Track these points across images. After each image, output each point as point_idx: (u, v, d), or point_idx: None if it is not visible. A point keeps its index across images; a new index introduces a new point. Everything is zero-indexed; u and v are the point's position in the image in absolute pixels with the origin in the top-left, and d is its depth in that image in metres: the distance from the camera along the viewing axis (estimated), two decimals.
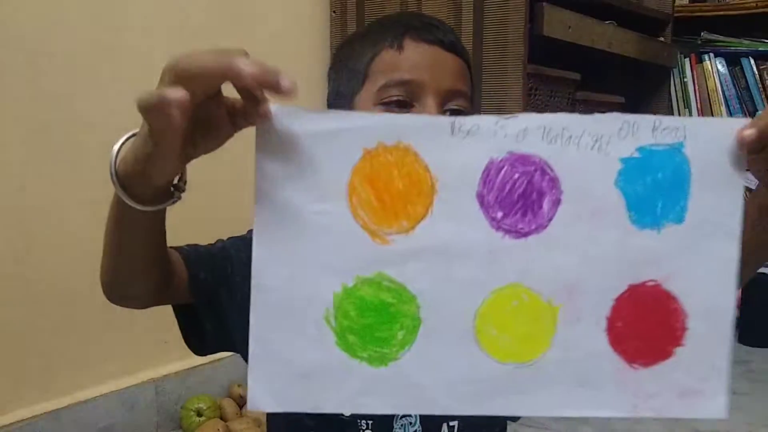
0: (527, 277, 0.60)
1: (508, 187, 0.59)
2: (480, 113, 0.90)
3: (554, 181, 0.59)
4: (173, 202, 0.64)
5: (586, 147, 0.58)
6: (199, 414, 1.87)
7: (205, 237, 0.87)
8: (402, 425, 0.89)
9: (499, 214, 0.59)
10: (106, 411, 1.77)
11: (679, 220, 0.60)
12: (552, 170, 0.59)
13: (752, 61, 3.51)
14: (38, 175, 1.63)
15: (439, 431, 0.90)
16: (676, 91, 3.54)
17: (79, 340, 1.67)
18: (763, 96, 3.49)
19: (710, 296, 0.61)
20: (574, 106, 2.18)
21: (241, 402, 1.97)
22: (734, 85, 3.53)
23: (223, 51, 0.53)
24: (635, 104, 2.69)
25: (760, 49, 3.51)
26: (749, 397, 2.19)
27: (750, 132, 0.59)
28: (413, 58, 0.82)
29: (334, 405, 0.61)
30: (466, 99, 0.84)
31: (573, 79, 2.14)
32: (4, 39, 1.56)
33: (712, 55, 3.55)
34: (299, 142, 0.57)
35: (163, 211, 0.66)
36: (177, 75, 0.52)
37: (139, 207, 0.62)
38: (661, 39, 2.69)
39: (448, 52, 0.84)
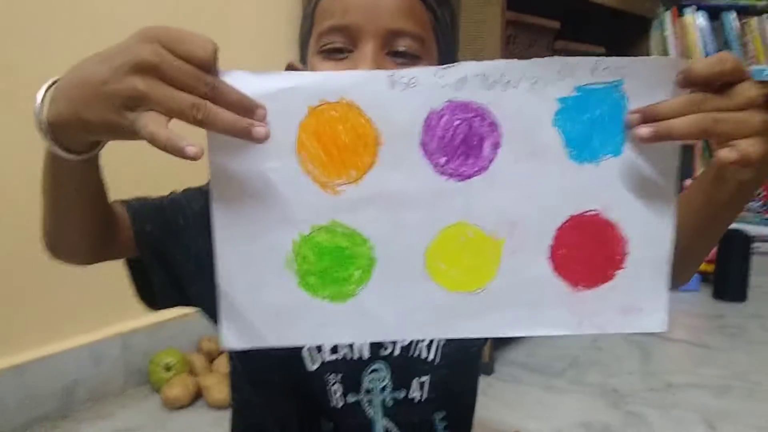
0: (471, 215, 0.64)
1: (449, 134, 0.62)
2: (457, 57, 0.85)
3: (493, 125, 0.62)
4: (101, 147, 0.63)
5: (524, 90, 0.61)
6: (168, 369, 1.84)
7: (166, 188, 0.84)
8: (371, 379, 0.86)
9: (442, 160, 0.63)
10: (71, 366, 1.73)
11: (617, 152, 0.63)
12: (491, 115, 0.62)
13: (734, 15, 3.47)
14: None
15: (410, 385, 0.88)
16: (655, 45, 3.50)
17: (42, 294, 1.62)
18: (743, 51, 3.47)
19: (648, 223, 0.65)
20: (553, 55, 2.13)
21: (210, 357, 1.94)
22: (714, 40, 3.50)
23: (200, 81, 0.55)
24: (615, 55, 2.64)
25: (741, 3, 3.47)
26: (723, 352, 2.20)
27: (680, 77, 0.60)
28: (347, 1, 0.76)
29: (300, 338, 0.66)
30: (415, 39, 0.77)
31: (552, 27, 2.09)
32: None
33: (694, 8, 3.51)
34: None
35: (97, 160, 0.64)
36: (152, 99, 0.54)
37: (71, 157, 0.61)
38: None
39: None
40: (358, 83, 0.61)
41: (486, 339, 0.97)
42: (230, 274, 0.64)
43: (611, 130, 0.62)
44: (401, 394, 0.88)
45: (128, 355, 1.84)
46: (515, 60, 0.61)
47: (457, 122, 0.62)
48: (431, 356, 0.88)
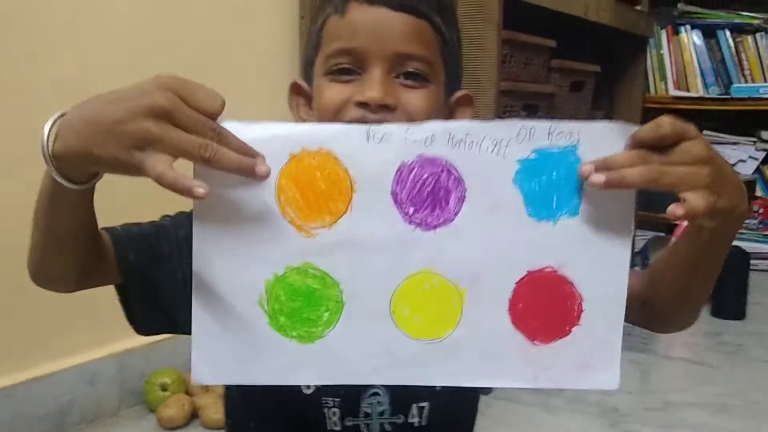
0: (436, 264, 0.67)
1: (418, 186, 0.66)
2: (462, 77, 0.85)
3: (459, 181, 0.66)
4: (100, 177, 0.66)
5: (487, 150, 0.65)
6: (164, 389, 1.82)
7: (155, 213, 0.85)
8: (370, 404, 0.86)
9: (411, 210, 0.66)
10: (65, 387, 1.71)
11: (574, 213, 0.66)
12: (456, 170, 0.66)
13: (728, 34, 3.49)
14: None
15: (408, 411, 0.87)
16: (652, 62, 3.52)
17: (35, 313, 1.59)
18: (738, 68, 3.48)
19: (603, 282, 0.68)
20: (549, 74, 2.14)
21: None
22: (710, 58, 3.52)
23: (208, 128, 0.60)
24: (611, 74, 2.65)
25: (736, 21, 3.49)
26: (720, 370, 2.19)
27: (628, 143, 0.64)
28: (355, 23, 0.77)
29: (268, 377, 0.69)
30: (423, 62, 0.78)
31: (549, 46, 2.10)
32: None
33: (688, 26, 3.53)
34: None
35: (92, 191, 0.67)
36: (163, 142, 0.58)
37: (73, 187, 0.64)
38: (639, 8, 2.65)
39: (398, 12, 0.77)
40: (337, 135, 0.66)
41: None
42: (205, 307, 0.67)
43: (568, 191, 0.66)
44: (399, 419, 0.87)
45: (124, 375, 1.83)
46: (478, 121, 0.67)
47: (426, 175, 0.66)
48: None
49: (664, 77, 3.57)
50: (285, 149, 0.65)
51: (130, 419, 1.80)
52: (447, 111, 0.85)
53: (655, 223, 3.14)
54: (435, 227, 0.67)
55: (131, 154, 0.58)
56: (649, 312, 0.81)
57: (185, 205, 0.80)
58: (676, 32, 3.55)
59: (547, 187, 0.66)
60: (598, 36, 2.44)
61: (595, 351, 0.69)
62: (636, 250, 2.95)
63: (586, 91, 2.37)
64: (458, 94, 0.86)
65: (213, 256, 0.66)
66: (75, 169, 0.63)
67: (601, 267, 0.68)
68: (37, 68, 1.61)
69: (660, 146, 0.64)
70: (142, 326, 0.82)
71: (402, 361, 0.69)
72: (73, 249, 0.71)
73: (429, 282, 0.68)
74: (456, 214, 0.67)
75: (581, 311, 0.69)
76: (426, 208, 0.67)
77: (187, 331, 0.76)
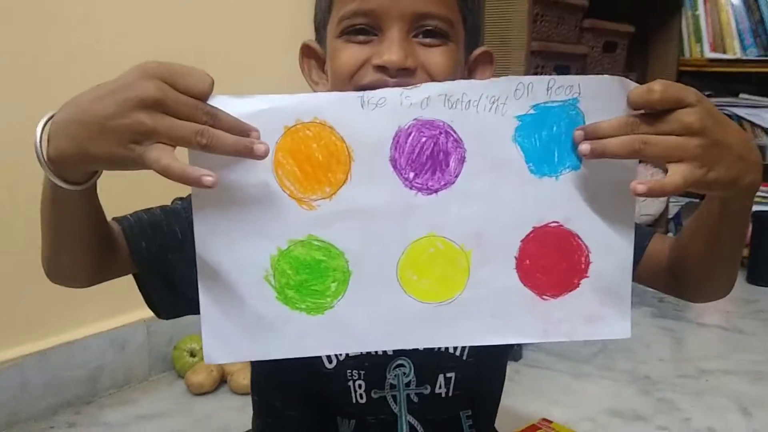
0: (440, 228, 0.67)
1: (417, 150, 0.65)
2: (482, 38, 0.82)
3: (458, 142, 0.65)
4: (99, 175, 0.65)
5: (484, 109, 0.64)
6: (192, 354, 1.83)
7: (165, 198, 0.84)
8: (395, 375, 0.85)
9: (411, 175, 0.66)
10: (95, 352, 1.72)
11: (576, 167, 0.66)
12: (455, 132, 0.65)
13: None
14: (25, 124, 1.55)
15: (435, 381, 0.86)
16: (687, 24, 3.41)
17: None
18: None
19: (610, 232, 0.68)
20: (581, 34, 2.08)
21: None
22: (748, 18, 3.40)
23: (201, 111, 0.59)
24: (645, 35, 2.58)
25: None
26: (756, 337, 2.15)
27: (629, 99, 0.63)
28: None
29: (280, 351, 0.68)
30: (442, 20, 0.75)
31: (581, 5, 2.03)
32: None
33: None
34: None
35: (94, 188, 0.66)
36: (156, 131, 0.57)
37: (72, 188, 0.63)
38: None
39: None
40: (331, 104, 0.65)
41: None
42: (211, 289, 0.66)
43: (570, 145, 0.65)
44: (426, 390, 0.86)
45: (153, 341, 1.84)
46: (474, 80, 0.66)
47: (424, 139, 0.65)
48: (458, 352, 0.85)
49: (699, 39, 3.46)
50: (279, 122, 0.64)
51: (159, 385, 1.81)
52: (466, 69, 0.83)
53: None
54: (436, 191, 0.66)
55: (129, 148, 0.57)
56: (679, 280, 0.80)
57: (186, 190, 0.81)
58: None
59: (548, 143, 0.66)
60: None
61: (605, 302, 0.69)
62: (669, 216, 2.90)
63: (619, 53, 2.30)
64: (478, 51, 0.84)
65: (215, 237, 0.65)
66: (72, 170, 0.62)
67: (606, 219, 0.68)
68: (48, 45, 1.60)
69: (654, 112, 0.62)
70: (163, 312, 0.82)
71: (412, 325, 0.69)
72: (81, 247, 0.71)
73: (434, 245, 0.68)
74: (457, 176, 0.66)
75: (589, 263, 0.68)
76: (426, 171, 0.66)
77: None
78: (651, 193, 0.62)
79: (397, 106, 0.65)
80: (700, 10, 3.44)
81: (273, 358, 0.69)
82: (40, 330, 1.65)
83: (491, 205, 0.67)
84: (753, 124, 3.11)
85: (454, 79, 0.71)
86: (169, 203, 0.83)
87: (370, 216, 0.66)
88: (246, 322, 0.67)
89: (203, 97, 0.59)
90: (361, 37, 0.75)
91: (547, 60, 1.89)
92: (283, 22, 2.01)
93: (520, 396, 1.68)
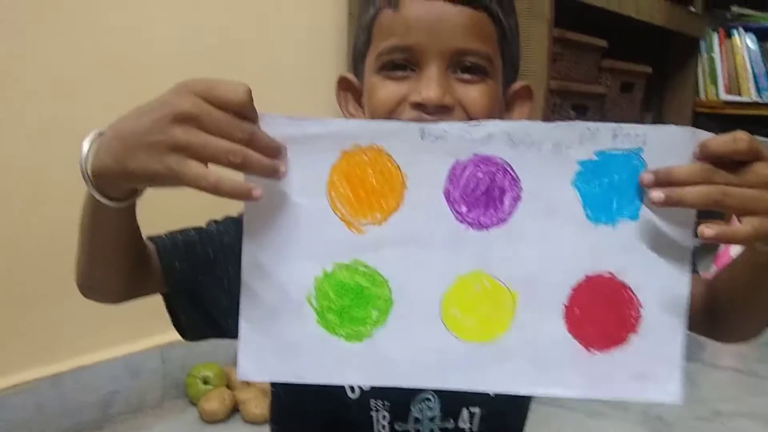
0: (488, 265, 0.66)
1: (472, 185, 0.65)
2: (520, 66, 0.82)
3: (515, 181, 0.64)
4: (141, 193, 0.65)
5: (547, 151, 0.64)
6: (206, 382, 1.82)
7: (200, 219, 0.84)
8: (420, 409, 0.84)
9: (464, 209, 0.65)
10: (109, 377, 1.73)
11: (634, 217, 0.64)
12: (513, 170, 0.64)
13: None
14: (50, 136, 1.57)
15: (459, 416, 0.85)
16: (703, 66, 3.44)
17: (83, 303, 1.55)
18: None
19: (664, 289, 0.65)
20: (600, 74, 2.10)
21: None
22: (764, 62, 3.42)
23: (236, 128, 0.59)
24: (662, 76, 2.60)
25: None
26: None
27: (695, 151, 0.62)
28: (410, 18, 0.73)
29: (314, 376, 0.67)
30: (482, 56, 0.74)
31: (599, 45, 2.06)
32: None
33: (741, 29, 3.43)
34: (285, 148, 0.63)
35: (134, 206, 0.67)
36: (191, 148, 0.57)
37: (113, 204, 0.64)
38: (691, 9, 2.59)
39: (456, 4, 0.73)
40: (391, 131, 0.65)
41: None
42: (253, 304, 0.66)
43: (629, 195, 0.64)
44: (450, 425, 0.84)
45: (167, 368, 1.84)
46: (540, 122, 0.65)
47: (481, 174, 0.64)
48: None
49: (714, 81, 3.48)
50: (336, 145, 0.64)
51: (171, 412, 1.81)
52: (504, 104, 0.81)
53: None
54: (488, 227, 0.65)
55: (164, 164, 0.58)
56: (713, 323, 0.78)
57: (224, 211, 0.81)
58: (729, 35, 3.46)
59: (608, 190, 0.64)
60: (650, 37, 2.39)
61: (655, 361, 0.66)
62: None
63: (636, 93, 2.32)
64: (516, 86, 0.82)
65: (262, 252, 0.65)
66: (113, 186, 0.63)
67: (661, 274, 0.65)
68: (82, 49, 1.63)
69: (729, 162, 0.61)
70: (188, 333, 0.81)
71: (451, 364, 0.67)
72: (117, 263, 0.71)
73: (480, 283, 0.66)
74: (510, 214, 0.65)
75: (639, 318, 0.66)
76: (479, 207, 0.65)
77: (233, 336, 0.75)
78: (718, 238, 0.60)
79: (458, 140, 0.64)
80: (716, 53, 3.47)
81: (306, 383, 0.68)
82: (55, 354, 1.65)
83: (543, 247, 0.65)
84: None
85: (492, 116, 0.72)
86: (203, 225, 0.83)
87: (418, 245, 0.65)
88: (283, 342, 0.66)
89: (240, 107, 0.59)
90: (399, 73, 0.74)
91: (565, 99, 1.91)
92: (302, 38, 2.04)
93: None
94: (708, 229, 0.60)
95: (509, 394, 0.69)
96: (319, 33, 2.05)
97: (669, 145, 0.62)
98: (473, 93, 0.74)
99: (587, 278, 0.66)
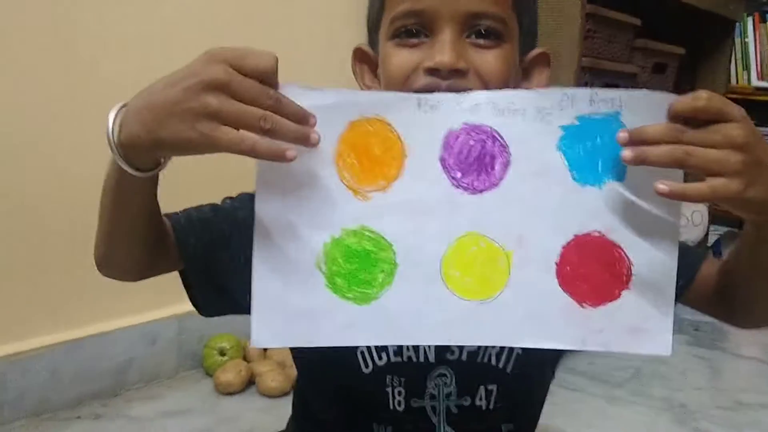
0: (483, 227, 0.69)
1: (465, 152, 0.68)
2: (537, 34, 0.80)
3: (503, 147, 0.68)
4: (165, 164, 0.66)
5: (531, 117, 0.67)
6: (222, 353, 1.81)
7: (218, 193, 0.85)
8: (436, 385, 0.83)
9: (458, 174, 0.68)
10: (125, 345, 1.72)
11: (620, 178, 0.67)
12: (501, 137, 0.68)
13: None
14: (57, 111, 1.55)
15: (476, 393, 0.84)
16: (735, 51, 3.36)
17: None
18: None
19: (653, 246, 0.68)
20: (632, 53, 2.05)
21: None
22: None
23: (264, 94, 0.60)
24: (695, 58, 2.54)
25: None
26: None
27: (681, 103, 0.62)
28: None
29: (324, 338, 0.69)
30: (496, 20, 0.74)
31: (633, 24, 2.00)
32: None
33: None
34: None
35: (156, 178, 0.68)
36: (219, 112, 0.59)
37: (140, 174, 0.64)
38: None
39: None
40: (392, 102, 0.68)
41: (561, 352, 0.93)
42: (265, 273, 0.68)
43: (614, 157, 0.66)
44: (466, 402, 0.84)
45: (183, 338, 1.83)
46: (521, 90, 0.70)
47: (472, 142, 0.68)
48: (502, 364, 0.83)
49: (747, 66, 3.41)
50: (344, 116, 0.67)
51: (187, 382, 1.80)
52: (522, 71, 0.81)
53: (728, 218, 3.02)
54: (481, 191, 0.68)
55: (196, 130, 0.59)
56: (727, 304, 0.79)
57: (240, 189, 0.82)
58: (764, 20, 3.38)
59: (592, 153, 0.67)
60: (685, 16, 2.33)
61: (646, 316, 0.69)
62: (708, 244, 2.84)
63: (668, 74, 2.26)
64: (534, 52, 0.81)
65: (273, 222, 0.67)
66: (142, 156, 0.63)
67: (650, 232, 0.68)
68: (103, 39, 1.61)
69: (697, 122, 0.62)
70: (205, 308, 0.81)
71: (453, 322, 0.70)
72: (137, 238, 0.72)
73: (476, 244, 0.69)
74: (501, 179, 0.68)
75: (631, 275, 0.68)
76: (472, 172, 0.68)
77: (250, 311, 0.74)
78: (672, 194, 0.62)
79: (450, 110, 0.68)
80: (750, 38, 3.39)
81: (318, 346, 0.69)
82: (73, 320, 1.65)
83: (533, 209, 0.69)
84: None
85: (507, 82, 0.75)
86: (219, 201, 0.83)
87: (418, 210, 0.69)
88: (294, 308, 0.69)
89: (269, 74, 0.61)
90: (413, 40, 0.74)
91: (596, 77, 1.86)
92: (321, 14, 2.00)
93: (553, 417, 1.64)
94: (662, 185, 0.61)
95: (507, 346, 0.73)
96: (337, 7, 2.01)
97: (645, 108, 0.65)
98: (488, 58, 0.74)
99: (576, 237, 0.69)
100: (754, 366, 2.14)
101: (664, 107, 0.63)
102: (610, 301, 0.69)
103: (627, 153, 0.62)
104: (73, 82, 1.57)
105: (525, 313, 0.69)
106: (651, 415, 1.74)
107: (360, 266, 0.69)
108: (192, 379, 1.82)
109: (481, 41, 0.74)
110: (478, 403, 0.84)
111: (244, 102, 0.59)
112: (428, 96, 0.68)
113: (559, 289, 0.69)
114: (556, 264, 0.69)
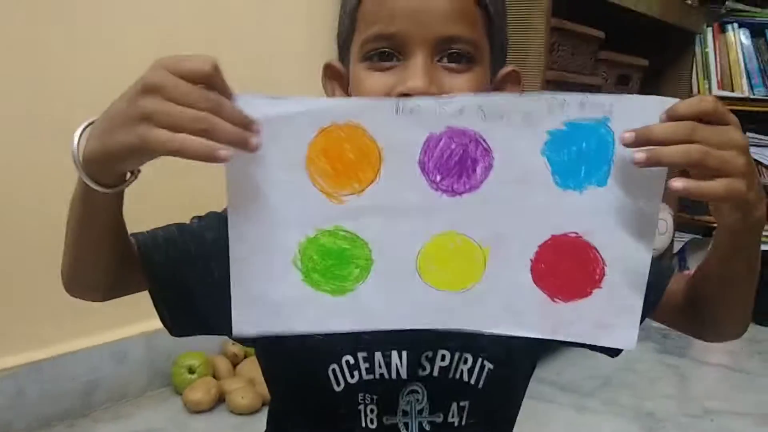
0: (461, 226, 0.69)
1: (446, 155, 0.67)
2: (507, 51, 0.81)
3: (487, 151, 0.67)
4: (133, 180, 0.66)
5: (517, 122, 0.66)
6: (191, 371, 1.80)
7: (187, 213, 0.84)
8: (408, 401, 0.82)
9: (438, 177, 0.67)
10: (92, 364, 1.69)
11: (602, 183, 0.67)
12: (485, 142, 0.67)
13: None
14: (28, 131, 1.53)
15: (449, 409, 0.84)
16: (696, 61, 3.42)
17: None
18: None
19: (627, 250, 0.69)
20: (596, 65, 2.07)
21: (234, 360, 1.89)
22: (757, 58, 3.41)
23: (203, 98, 0.58)
24: (658, 69, 2.58)
25: None
26: (763, 378, 2.13)
27: (664, 116, 0.62)
28: (394, 5, 0.72)
29: (302, 327, 0.71)
30: (468, 43, 0.73)
31: (597, 36, 2.03)
32: None
33: (736, 25, 3.42)
34: (262, 124, 0.63)
35: (122, 195, 0.67)
36: (160, 117, 0.58)
37: (105, 190, 0.64)
38: (688, 2, 2.56)
39: None
40: (366, 108, 0.67)
41: (534, 365, 0.93)
42: (242, 271, 0.68)
43: (597, 162, 0.66)
44: (439, 418, 0.83)
45: (152, 356, 1.81)
46: (509, 94, 0.68)
47: (454, 145, 0.67)
48: (474, 380, 0.83)
49: (708, 76, 3.47)
50: (314, 123, 0.66)
51: (156, 400, 1.78)
52: (493, 89, 0.81)
53: (693, 225, 3.08)
54: (461, 193, 0.68)
55: (134, 134, 0.58)
56: (696, 318, 0.80)
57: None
58: (723, 30, 3.45)
59: (576, 158, 0.67)
60: (647, 29, 2.37)
61: (615, 313, 0.70)
62: (674, 251, 2.88)
63: (632, 85, 2.30)
64: (505, 70, 0.82)
65: (247, 224, 0.68)
66: (101, 170, 0.63)
67: (626, 237, 0.68)
68: (72, 42, 1.59)
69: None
70: (175, 329, 0.80)
71: (427, 309, 0.71)
72: (103, 256, 0.71)
73: (453, 241, 0.69)
74: (482, 182, 0.68)
75: (603, 275, 0.70)
76: (453, 175, 0.68)
77: (221, 332, 0.74)
78: (687, 191, 0.61)
79: (432, 114, 0.66)
80: (710, 48, 3.45)
81: (296, 333, 0.70)
82: (38, 340, 1.62)
83: (513, 211, 0.69)
84: (758, 163, 3.11)
85: None
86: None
87: (395, 212, 0.69)
88: (272, 301, 0.69)
89: (208, 78, 0.60)
90: (385, 64, 0.74)
91: (561, 89, 1.88)
92: (300, 21, 2.00)
93: (523, 428, 1.65)
94: (677, 182, 0.61)
95: (479, 333, 0.71)
96: (316, 14, 2.01)
97: (636, 113, 0.64)
98: (460, 82, 0.74)
99: (553, 237, 0.69)
100: (720, 373, 2.18)
101: (656, 111, 0.63)
102: (581, 298, 0.70)
103: (639, 156, 0.61)
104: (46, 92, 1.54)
105: (498, 303, 0.71)
106: (620, 424, 1.76)
107: (336, 263, 0.69)
108: (161, 397, 1.80)
109: (453, 65, 0.73)
110: (450, 419, 0.84)
111: (181, 105, 0.58)
112: (406, 100, 0.66)
113: (533, 283, 0.70)
114: (531, 261, 0.70)
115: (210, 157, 0.59)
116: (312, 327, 0.71)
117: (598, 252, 0.69)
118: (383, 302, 0.70)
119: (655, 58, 2.39)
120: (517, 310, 0.71)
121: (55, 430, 1.60)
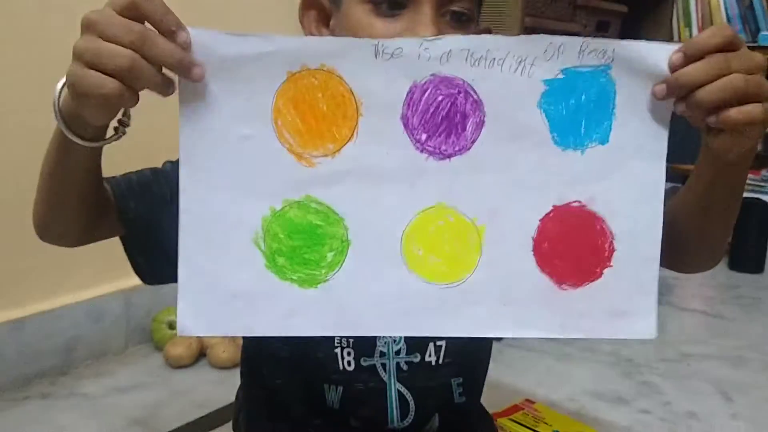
0: (451, 198, 0.61)
1: (431, 110, 0.60)
2: (479, 17, 0.79)
3: (477, 104, 0.60)
4: (117, 138, 0.62)
5: (510, 69, 0.59)
6: (171, 327, 1.79)
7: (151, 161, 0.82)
8: (385, 343, 0.84)
9: (423, 136, 0.60)
10: (71, 322, 1.69)
11: (604, 140, 0.61)
12: (475, 93, 0.60)
13: None
14: None
15: (425, 349, 0.85)
16: (677, 8, 3.39)
17: (43, 247, 1.53)
18: (767, 16, 3.36)
19: (636, 217, 0.62)
20: (575, 12, 2.05)
21: None
22: (738, 4, 3.39)
23: (133, 32, 0.54)
24: (638, 16, 2.55)
25: None
26: (737, 323, 2.16)
27: (678, 56, 0.58)
28: None
29: (263, 327, 0.62)
30: (468, 1, 0.73)
31: None
32: None
33: None
34: (221, 67, 0.56)
35: (100, 149, 0.65)
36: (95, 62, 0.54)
37: (84, 144, 0.61)
38: None
39: None
40: (342, 50, 0.58)
41: None
42: (192, 251, 0.60)
43: (598, 116, 0.60)
44: (416, 358, 0.84)
45: (131, 313, 1.80)
46: (502, 36, 0.60)
47: (441, 98, 0.60)
48: None
49: (688, 24, 3.45)
50: (283, 66, 0.58)
51: (136, 357, 1.78)
52: None
53: (671, 173, 3.09)
54: (449, 156, 0.61)
55: (73, 76, 0.55)
56: (669, 250, 0.79)
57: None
58: None
59: (575, 112, 0.60)
60: None
61: (630, 295, 0.63)
62: None
63: (611, 32, 2.28)
64: (480, 28, 0.80)
65: (202, 190, 0.59)
66: (75, 121, 0.61)
67: (633, 201, 0.62)
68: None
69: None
70: (148, 276, 0.79)
71: (415, 310, 0.62)
72: (78, 205, 0.70)
73: (443, 218, 0.62)
74: (473, 141, 0.61)
75: (612, 251, 0.63)
76: (440, 134, 0.61)
77: None
78: (734, 123, 0.58)
79: (415, 59, 0.59)
80: None
81: (255, 335, 0.63)
82: (16, 298, 1.61)
83: (509, 176, 0.61)
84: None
85: None
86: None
87: (374, 178, 0.60)
88: (228, 291, 0.60)
89: (151, 16, 0.55)
90: (391, 11, 0.71)
91: None
92: None
93: (503, 376, 1.67)
94: (732, 112, 0.57)
95: (481, 337, 0.66)
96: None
97: (639, 61, 0.59)
98: None
99: (555, 208, 0.62)
100: (697, 318, 2.20)
101: (661, 57, 0.58)
102: (592, 281, 0.63)
103: (681, 107, 0.59)
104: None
105: (499, 298, 0.63)
106: (598, 371, 1.78)
107: (305, 243, 0.60)
108: (141, 353, 1.80)
109: (454, 23, 0.73)
110: (427, 359, 0.84)
111: (107, 40, 0.54)
112: (387, 42, 0.59)
113: (537, 268, 0.63)
114: (533, 239, 0.62)
115: (124, 100, 0.55)
116: (274, 328, 0.62)
117: (604, 222, 0.62)
118: (361, 300, 0.62)
119: (634, 4, 2.36)
120: (520, 304, 0.63)
121: (37, 388, 1.60)
